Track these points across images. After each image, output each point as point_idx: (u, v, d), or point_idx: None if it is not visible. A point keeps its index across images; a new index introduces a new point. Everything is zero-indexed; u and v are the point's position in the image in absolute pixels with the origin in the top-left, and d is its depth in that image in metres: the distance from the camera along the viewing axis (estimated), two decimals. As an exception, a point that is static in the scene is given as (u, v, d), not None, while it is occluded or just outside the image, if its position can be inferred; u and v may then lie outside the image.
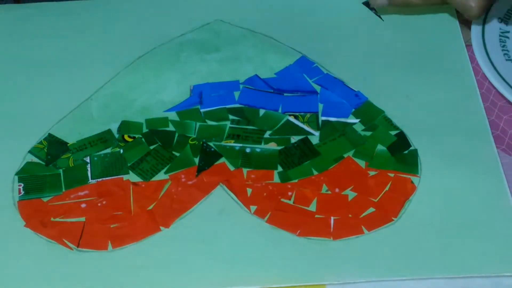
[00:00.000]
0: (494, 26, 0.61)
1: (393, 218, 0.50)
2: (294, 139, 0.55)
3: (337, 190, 0.52)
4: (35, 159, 0.54)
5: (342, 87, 0.58)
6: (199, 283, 0.47)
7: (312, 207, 0.51)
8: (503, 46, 0.59)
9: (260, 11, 0.64)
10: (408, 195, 0.52)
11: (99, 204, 0.51)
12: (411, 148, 0.54)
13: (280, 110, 0.57)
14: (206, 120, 0.56)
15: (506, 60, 0.58)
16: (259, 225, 0.50)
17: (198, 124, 0.56)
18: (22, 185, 0.53)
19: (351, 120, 0.56)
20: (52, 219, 0.51)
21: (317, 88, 0.58)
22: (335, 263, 0.48)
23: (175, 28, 0.63)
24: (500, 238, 0.49)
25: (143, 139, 0.55)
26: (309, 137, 0.55)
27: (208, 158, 0.54)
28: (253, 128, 0.56)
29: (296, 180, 0.53)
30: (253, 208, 0.51)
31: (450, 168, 0.53)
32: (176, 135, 0.55)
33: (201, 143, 0.55)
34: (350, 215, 0.51)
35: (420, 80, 0.58)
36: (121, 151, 0.55)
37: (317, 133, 0.55)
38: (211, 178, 0.53)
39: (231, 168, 0.53)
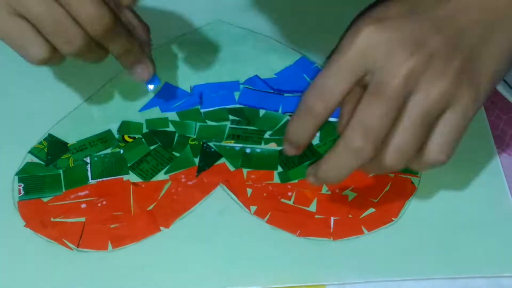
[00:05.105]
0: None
1: (393, 219, 0.50)
2: (294, 139, 0.55)
3: (337, 190, 0.52)
4: (35, 159, 0.54)
5: (342, 87, 0.58)
6: (199, 283, 0.47)
7: (312, 208, 0.51)
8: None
9: (260, 11, 0.64)
10: (408, 196, 0.52)
11: (99, 204, 0.51)
12: (411, 148, 0.54)
13: (280, 111, 0.57)
14: (206, 121, 0.56)
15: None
16: (259, 225, 0.50)
17: (198, 124, 0.56)
18: (22, 185, 0.53)
19: (351, 120, 0.56)
20: (52, 219, 0.51)
21: (317, 88, 0.58)
22: (335, 263, 0.48)
23: (175, 28, 0.63)
24: (500, 238, 0.49)
25: (143, 140, 0.55)
26: (309, 137, 0.55)
27: (208, 158, 0.54)
28: (253, 128, 0.56)
29: (296, 181, 0.53)
30: (253, 208, 0.51)
31: (450, 168, 0.52)
32: (176, 135, 0.55)
33: (201, 143, 0.55)
34: (350, 216, 0.51)
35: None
36: (121, 151, 0.55)
37: (317, 134, 0.55)
38: (211, 179, 0.53)
39: (231, 168, 0.53)
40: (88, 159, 0.54)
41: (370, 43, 0.40)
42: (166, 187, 0.52)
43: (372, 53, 0.40)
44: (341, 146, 0.42)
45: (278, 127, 0.56)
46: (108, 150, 0.55)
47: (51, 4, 0.45)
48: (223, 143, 0.55)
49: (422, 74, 0.40)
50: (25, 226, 0.50)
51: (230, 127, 0.56)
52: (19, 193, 0.52)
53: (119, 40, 0.49)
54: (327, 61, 0.42)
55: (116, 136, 0.55)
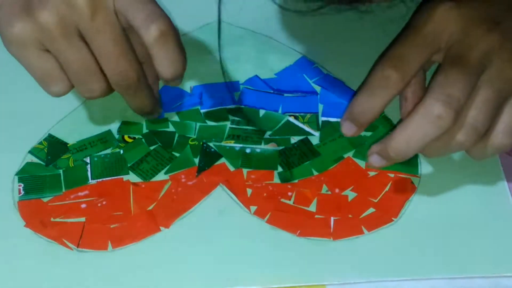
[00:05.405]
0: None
1: (393, 219, 0.50)
2: (294, 139, 0.55)
3: (337, 190, 0.52)
4: (35, 160, 0.54)
5: (342, 87, 0.58)
6: (199, 283, 0.47)
7: (312, 208, 0.51)
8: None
9: (260, 11, 0.64)
10: (408, 196, 0.52)
11: (99, 205, 0.51)
12: (411, 148, 0.54)
13: (280, 111, 0.57)
14: (206, 121, 0.56)
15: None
16: (259, 225, 0.50)
17: (198, 124, 0.56)
18: (22, 185, 0.53)
19: (351, 120, 0.56)
20: (52, 219, 0.51)
21: (317, 88, 0.58)
22: (335, 263, 0.48)
23: (175, 29, 0.63)
24: (500, 238, 0.49)
25: (143, 140, 0.55)
26: (309, 137, 0.55)
27: (208, 158, 0.54)
28: (253, 128, 0.56)
29: (296, 181, 0.53)
30: (253, 208, 0.51)
31: (450, 168, 0.53)
32: (176, 135, 0.55)
33: (201, 143, 0.55)
34: (350, 216, 0.51)
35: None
36: (121, 151, 0.55)
37: (317, 134, 0.55)
38: (211, 179, 0.53)
39: (231, 168, 0.53)
40: (88, 159, 0.54)
41: (447, 19, 0.42)
42: (166, 187, 0.52)
43: (449, 28, 0.42)
44: (420, 115, 0.42)
45: (278, 127, 0.56)
46: (108, 150, 0.55)
47: (81, 50, 0.45)
48: (223, 143, 0.55)
49: (496, 52, 0.41)
50: (25, 226, 0.50)
51: (230, 127, 0.56)
52: (19, 193, 0.52)
53: (136, 95, 0.49)
54: (401, 36, 0.43)
55: (116, 136, 0.56)
